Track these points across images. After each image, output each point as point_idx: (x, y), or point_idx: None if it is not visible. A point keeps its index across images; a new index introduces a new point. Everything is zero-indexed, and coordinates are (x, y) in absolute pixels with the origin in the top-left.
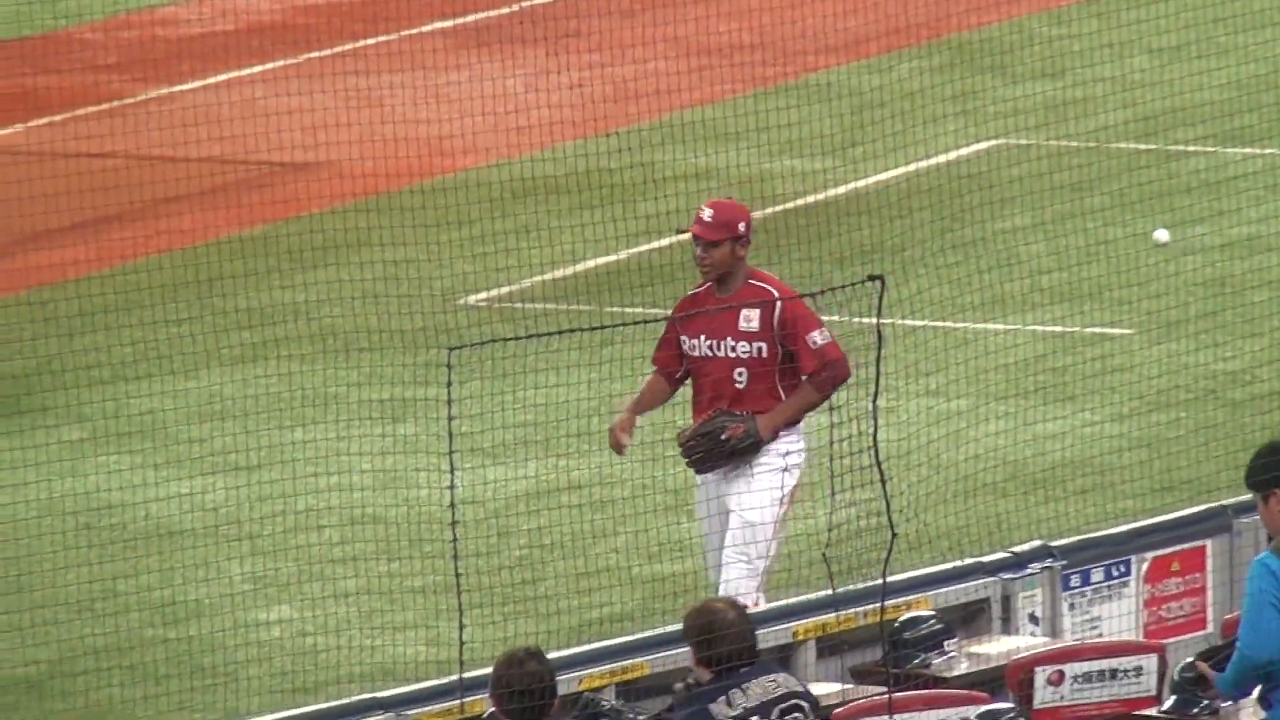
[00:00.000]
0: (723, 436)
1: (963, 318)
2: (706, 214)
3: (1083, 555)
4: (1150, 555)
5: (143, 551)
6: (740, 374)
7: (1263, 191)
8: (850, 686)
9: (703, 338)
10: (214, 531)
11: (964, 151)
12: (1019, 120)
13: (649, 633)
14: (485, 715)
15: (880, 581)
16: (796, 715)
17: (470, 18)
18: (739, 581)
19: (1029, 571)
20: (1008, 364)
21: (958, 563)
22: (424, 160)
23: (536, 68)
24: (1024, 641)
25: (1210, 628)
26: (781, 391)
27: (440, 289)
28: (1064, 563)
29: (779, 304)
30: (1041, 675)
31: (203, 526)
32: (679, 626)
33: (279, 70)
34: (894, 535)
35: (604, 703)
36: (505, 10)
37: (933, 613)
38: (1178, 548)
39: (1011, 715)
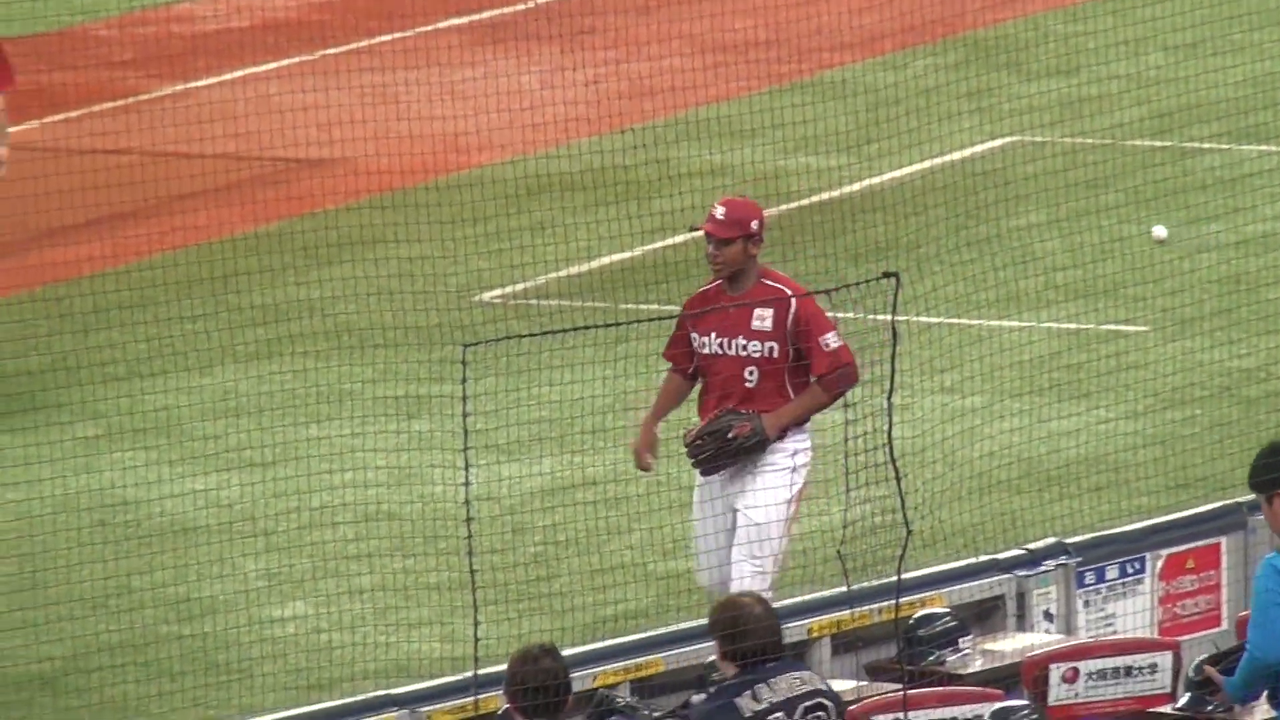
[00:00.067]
0: (730, 435)
1: (978, 315)
2: (719, 211)
3: (1097, 552)
4: (1165, 552)
5: (157, 548)
6: (751, 373)
7: (1278, 189)
8: (865, 683)
9: (713, 335)
10: (229, 528)
11: (979, 148)
12: (1034, 117)
13: (663, 629)
14: (500, 712)
15: (895, 578)
16: (820, 714)
17: (485, 14)
18: (748, 581)
19: (1044, 569)
20: (1022, 361)
21: (972, 560)
22: (439, 157)
23: (552, 64)
24: (1039, 639)
25: (1225, 624)
26: (791, 391)
27: (455, 286)
28: (1079, 560)
29: (793, 304)
30: (1056, 672)
31: (217, 523)
32: (693, 623)
33: (294, 67)
34: (909, 532)
35: (618, 699)
36: (520, 7)
37: (947, 610)
38: (1192, 545)
39: (1026, 712)
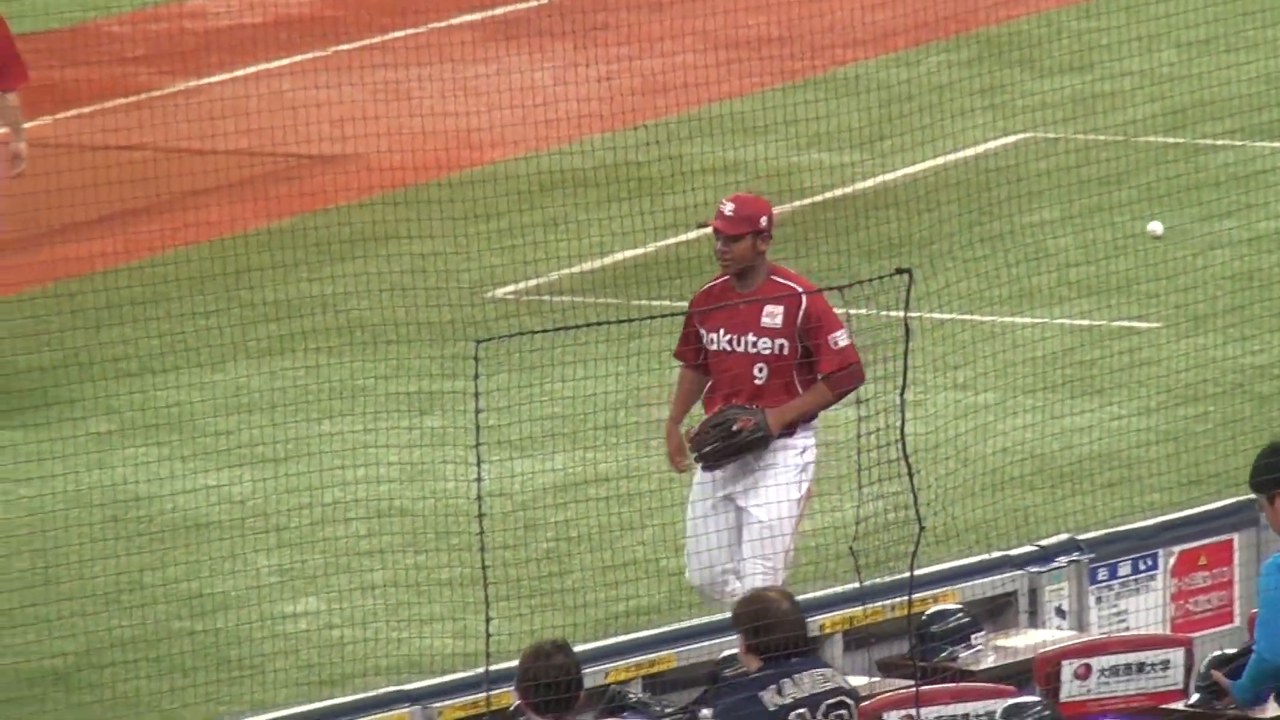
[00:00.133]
0: (734, 428)
1: (991, 311)
2: (728, 208)
3: (1110, 549)
4: (1177, 549)
5: (170, 544)
6: (760, 370)
7: None
8: (877, 679)
9: (722, 331)
10: (241, 524)
11: (992, 145)
12: (1047, 114)
13: (676, 625)
14: (512, 708)
15: (907, 575)
16: (842, 713)
17: (498, 10)
18: (758, 581)
19: (1056, 565)
20: (1035, 357)
21: (985, 556)
22: (452, 153)
23: (565, 60)
24: (1051, 635)
25: (1237, 621)
26: (798, 388)
27: (468, 282)
28: (1091, 556)
29: (804, 301)
30: (1068, 669)
31: (230, 519)
32: (706, 619)
33: (307, 63)
34: (921, 528)
35: (631, 695)
36: (533, 3)
37: (960, 606)
38: (1205, 541)
39: (1038, 709)
